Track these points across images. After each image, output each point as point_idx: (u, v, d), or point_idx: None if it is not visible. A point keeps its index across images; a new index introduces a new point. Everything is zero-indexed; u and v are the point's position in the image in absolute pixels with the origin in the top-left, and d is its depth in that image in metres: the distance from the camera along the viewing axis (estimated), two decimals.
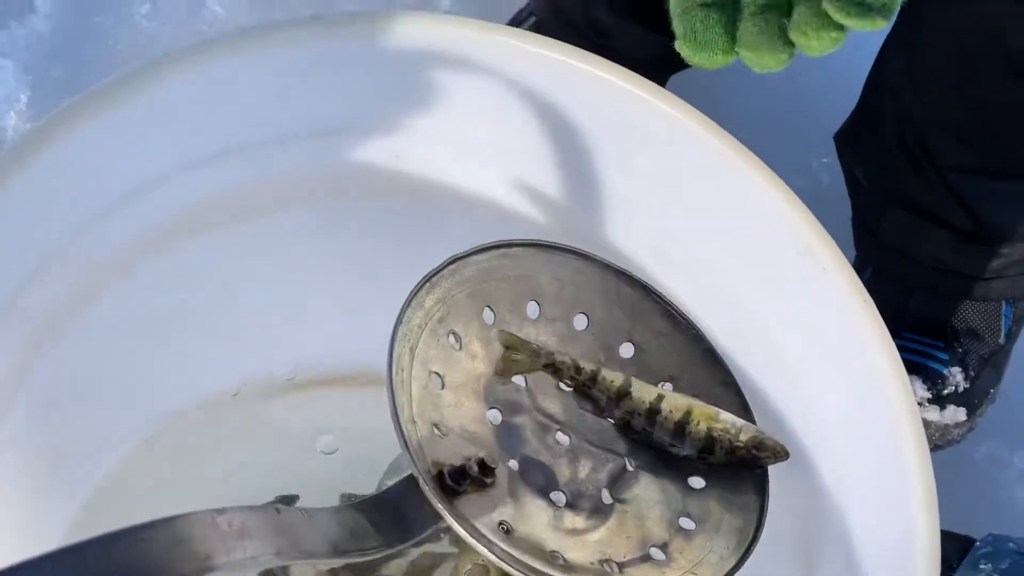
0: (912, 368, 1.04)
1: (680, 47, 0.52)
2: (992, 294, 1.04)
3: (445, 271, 0.61)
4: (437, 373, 0.62)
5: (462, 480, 0.59)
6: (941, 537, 0.96)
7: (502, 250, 0.62)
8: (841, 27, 0.49)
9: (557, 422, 0.64)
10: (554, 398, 0.64)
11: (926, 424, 1.04)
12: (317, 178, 0.70)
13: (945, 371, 1.04)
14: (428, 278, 0.61)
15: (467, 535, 0.57)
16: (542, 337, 0.63)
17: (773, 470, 0.64)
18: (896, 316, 1.06)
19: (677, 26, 0.52)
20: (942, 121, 0.98)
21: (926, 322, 1.06)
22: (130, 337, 0.74)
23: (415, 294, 0.61)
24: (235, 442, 0.87)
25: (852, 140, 1.09)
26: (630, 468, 0.63)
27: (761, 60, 0.50)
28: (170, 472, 0.84)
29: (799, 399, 0.65)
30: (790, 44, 0.50)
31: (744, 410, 0.62)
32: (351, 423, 0.88)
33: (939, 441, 1.05)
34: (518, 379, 0.63)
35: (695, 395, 0.62)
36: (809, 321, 0.64)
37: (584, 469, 0.63)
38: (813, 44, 0.49)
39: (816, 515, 0.64)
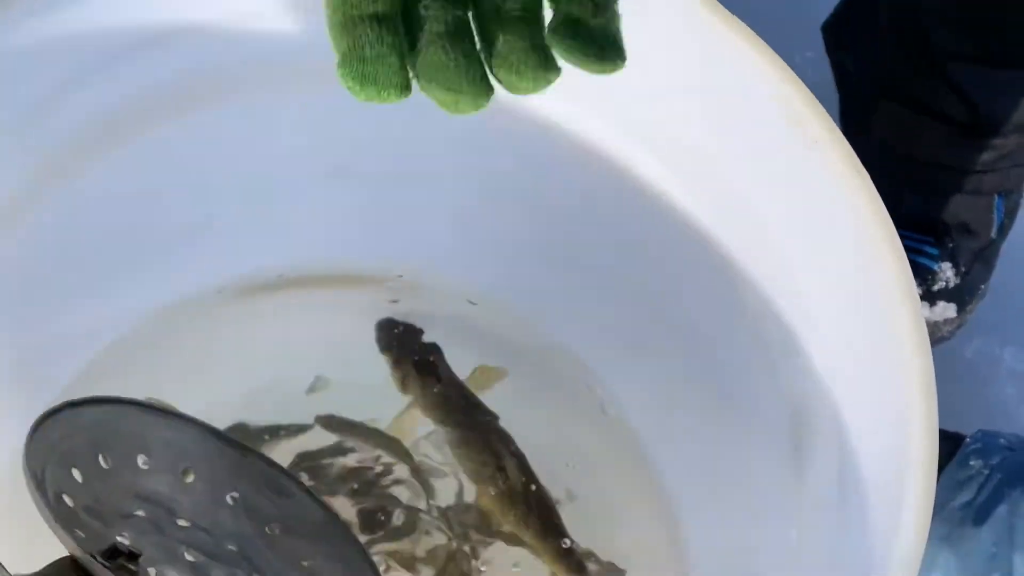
0: None
1: (341, 74, 0.39)
2: (984, 187, 1.02)
3: (62, 414, 0.60)
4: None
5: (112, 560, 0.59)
6: None
7: (111, 405, 0.62)
8: (559, 68, 0.40)
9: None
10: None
11: None
12: (296, 60, 0.66)
13: (935, 267, 1.03)
14: (46, 417, 0.60)
15: None
16: (153, 486, 0.63)
17: (759, 355, 0.63)
18: None
19: (335, 42, 0.40)
20: (940, 7, 0.95)
21: (916, 218, 1.04)
22: (97, 228, 0.71)
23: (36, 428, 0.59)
24: (214, 343, 0.85)
25: (842, 30, 1.06)
26: None
27: (456, 102, 0.40)
28: (143, 375, 0.82)
29: (790, 282, 0.63)
30: (489, 84, 0.40)
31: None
32: (330, 327, 0.86)
33: (929, 338, 1.03)
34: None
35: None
36: (800, 198, 0.61)
37: None
38: (525, 85, 0.40)
39: (806, 404, 0.62)
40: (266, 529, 0.64)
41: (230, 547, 0.63)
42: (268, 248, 0.81)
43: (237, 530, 0.63)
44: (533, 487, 0.78)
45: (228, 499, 0.64)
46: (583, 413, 0.85)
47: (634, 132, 0.68)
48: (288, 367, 0.84)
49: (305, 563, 0.64)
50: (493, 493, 0.77)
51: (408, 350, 0.82)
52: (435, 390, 0.80)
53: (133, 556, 0.60)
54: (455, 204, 0.80)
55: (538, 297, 0.83)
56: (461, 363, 0.83)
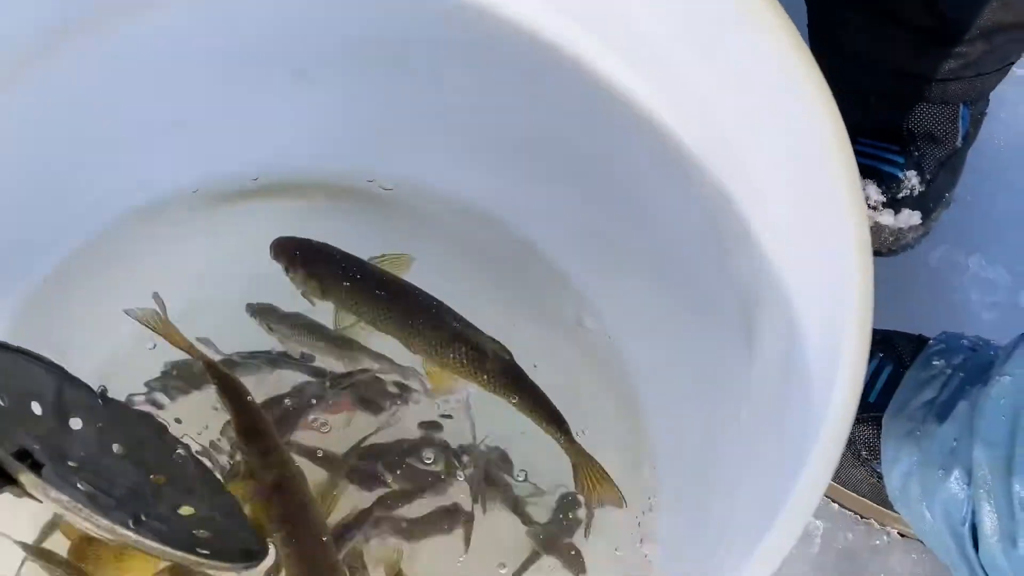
0: (867, 172, 1.04)
1: None
2: (950, 96, 1.03)
3: None
4: None
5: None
6: (895, 338, 0.97)
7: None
8: None
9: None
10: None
11: (880, 228, 1.03)
12: None
13: (900, 175, 1.04)
14: None
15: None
16: (44, 428, 0.68)
17: (714, 244, 0.64)
18: (853, 123, 1.05)
19: None
20: None
21: (883, 127, 1.05)
22: (62, 128, 0.72)
23: None
24: (188, 244, 0.86)
25: None
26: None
27: None
28: (122, 273, 0.83)
29: (744, 176, 0.64)
30: None
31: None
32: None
33: (893, 245, 1.05)
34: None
35: None
36: (750, 86, 0.62)
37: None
38: None
39: (756, 289, 0.64)
40: (151, 478, 0.70)
41: (119, 490, 0.68)
42: (241, 153, 0.83)
43: (124, 476, 0.69)
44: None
45: (114, 448, 0.70)
46: (553, 314, 0.87)
47: (595, 30, 0.69)
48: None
49: (185, 512, 0.70)
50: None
51: (312, 260, 0.81)
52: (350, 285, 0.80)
53: (37, 465, 0.65)
54: (430, 110, 0.81)
55: (512, 200, 0.84)
56: (446, 269, 0.84)
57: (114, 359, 0.82)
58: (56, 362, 0.70)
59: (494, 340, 0.78)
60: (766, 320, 0.63)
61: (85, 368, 0.74)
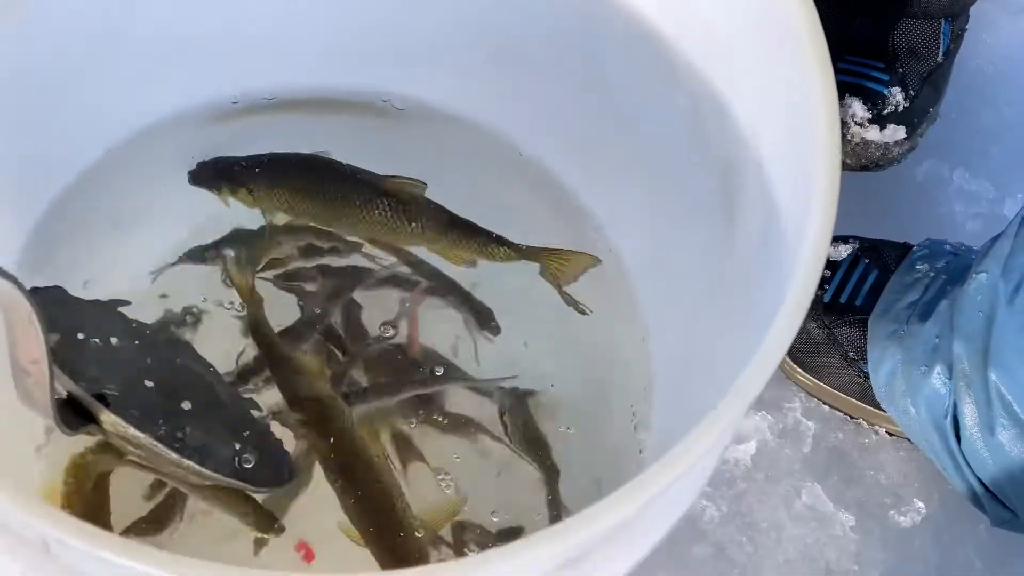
0: (852, 89, 1.07)
1: None
2: (932, 9, 1.06)
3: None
4: None
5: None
6: (881, 245, 1.01)
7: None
8: None
9: None
10: None
11: (866, 144, 1.07)
12: None
13: (885, 91, 1.07)
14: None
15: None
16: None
17: (696, 125, 0.68)
18: (838, 42, 1.08)
19: None
20: None
21: (867, 43, 1.08)
22: (77, 41, 0.75)
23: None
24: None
25: None
26: None
27: None
28: (142, 187, 0.87)
29: (717, 47, 0.68)
30: None
31: None
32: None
33: (880, 160, 1.08)
34: None
35: None
36: None
37: None
38: None
39: (736, 161, 0.68)
40: (182, 405, 0.72)
41: (158, 415, 0.71)
42: (255, 68, 0.86)
43: (161, 403, 0.71)
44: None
45: (146, 377, 0.72)
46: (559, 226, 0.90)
47: None
48: None
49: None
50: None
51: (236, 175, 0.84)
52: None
53: (103, 399, 0.68)
54: (441, 26, 0.85)
55: (502, 104, 0.88)
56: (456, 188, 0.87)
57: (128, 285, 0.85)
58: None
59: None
60: (744, 195, 0.67)
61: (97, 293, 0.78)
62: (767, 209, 0.64)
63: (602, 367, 0.85)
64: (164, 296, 0.84)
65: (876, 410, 0.97)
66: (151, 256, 0.84)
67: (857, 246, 1.01)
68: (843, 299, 0.99)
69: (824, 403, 1.00)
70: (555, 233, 0.87)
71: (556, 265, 0.82)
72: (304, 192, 0.83)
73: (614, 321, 0.84)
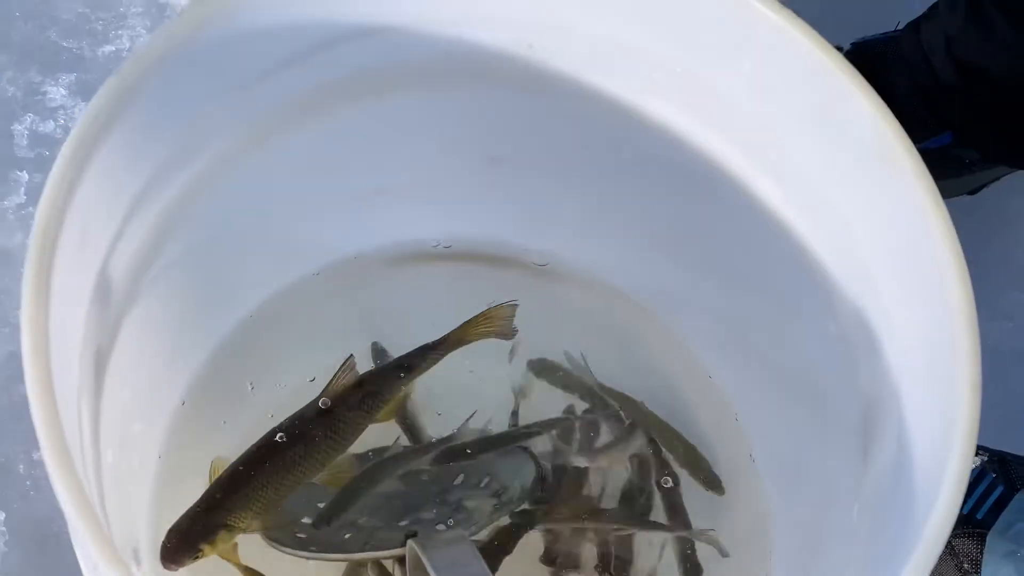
0: None
1: None
2: None
3: None
4: None
5: None
6: (1009, 459, 1.01)
7: None
8: None
9: None
10: None
11: None
12: (452, 61, 0.78)
13: None
14: None
15: None
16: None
17: (844, 354, 0.72)
18: None
19: None
20: None
21: None
22: (286, 187, 0.84)
23: None
24: (374, 302, 0.98)
25: None
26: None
27: None
28: (310, 320, 0.96)
29: (871, 291, 0.72)
30: None
31: None
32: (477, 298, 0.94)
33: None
34: None
35: None
36: (886, 222, 0.69)
37: None
38: None
39: (879, 396, 0.71)
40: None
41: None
42: (429, 221, 0.94)
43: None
44: None
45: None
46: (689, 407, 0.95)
47: (755, 157, 0.78)
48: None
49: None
50: None
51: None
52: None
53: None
54: (587, 196, 0.91)
55: (655, 284, 0.93)
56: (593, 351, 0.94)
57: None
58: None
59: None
60: (882, 431, 0.70)
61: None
62: (901, 442, 0.67)
63: None
64: None
65: None
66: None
67: (985, 458, 1.02)
68: (965, 510, 1.00)
69: None
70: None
71: (483, 328, 0.86)
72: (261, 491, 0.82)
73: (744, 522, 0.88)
